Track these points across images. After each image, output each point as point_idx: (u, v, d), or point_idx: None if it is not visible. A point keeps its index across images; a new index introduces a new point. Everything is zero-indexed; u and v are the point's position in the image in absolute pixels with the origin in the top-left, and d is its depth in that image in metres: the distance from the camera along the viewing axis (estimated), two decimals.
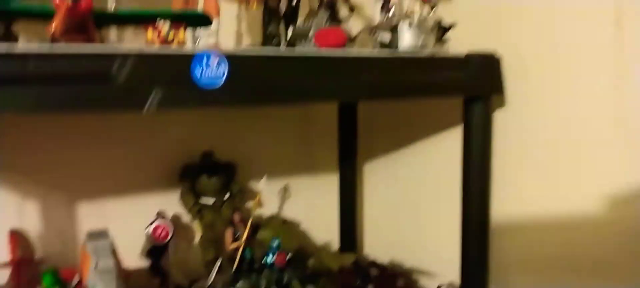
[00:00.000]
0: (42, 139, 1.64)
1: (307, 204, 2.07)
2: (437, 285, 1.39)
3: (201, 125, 1.86)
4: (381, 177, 2.04)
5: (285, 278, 1.51)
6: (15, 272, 1.56)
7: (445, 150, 1.68)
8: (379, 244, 1.83)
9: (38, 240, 1.66)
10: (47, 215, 1.68)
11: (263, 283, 1.52)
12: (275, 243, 1.57)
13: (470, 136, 1.42)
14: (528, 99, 1.44)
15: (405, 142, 1.86)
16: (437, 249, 1.71)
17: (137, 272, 1.69)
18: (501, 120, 1.50)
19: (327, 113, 2.00)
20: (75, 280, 1.39)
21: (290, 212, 2.03)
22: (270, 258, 1.56)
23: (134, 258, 1.72)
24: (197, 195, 1.75)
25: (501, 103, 1.50)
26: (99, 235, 1.32)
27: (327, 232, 2.02)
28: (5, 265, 1.57)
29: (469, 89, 1.39)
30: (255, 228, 1.81)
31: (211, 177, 1.73)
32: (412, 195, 1.87)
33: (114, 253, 1.30)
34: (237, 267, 1.66)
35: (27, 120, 1.61)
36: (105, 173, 1.75)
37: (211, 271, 1.72)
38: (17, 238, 1.61)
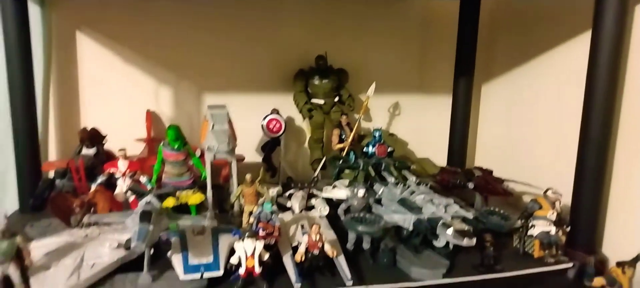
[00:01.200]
0: (174, 31, 1.81)
1: (417, 123, 2.05)
2: (545, 189, 1.30)
3: (318, 33, 1.92)
4: (497, 99, 1.95)
5: (383, 165, 1.51)
6: (150, 147, 1.78)
7: (569, 64, 1.55)
8: (489, 166, 1.75)
9: (169, 122, 1.86)
10: (178, 101, 1.87)
11: (360, 164, 1.54)
12: (377, 134, 1.58)
13: (601, 35, 1.27)
14: None
15: (525, 58, 1.75)
16: (550, 175, 1.60)
17: (251, 164, 1.83)
18: None
19: (447, 30, 1.94)
20: (198, 153, 1.54)
21: (399, 129, 2.02)
22: (370, 149, 1.58)
23: (249, 151, 1.88)
24: (309, 95, 1.83)
25: None
26: (217, 106, 1.45)
27: (435, 152, 1.98)
28: (141, 140, 1.80)
29: None
30: (360, 138, 1.85)
31: (323, 79, 1.79)
32: (528, 119, 1.75)
33: (229, 121, 1.41)
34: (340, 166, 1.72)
35: (162, 13, 1.79)
36: (230, 70, 1.89)
37: (316, 169, 1.81)
38: (152, 118, 1.82)
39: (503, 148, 1.88)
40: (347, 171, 1.71)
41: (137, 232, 0.99)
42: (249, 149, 1.88)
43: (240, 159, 1.72)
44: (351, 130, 1.78)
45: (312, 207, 1.51)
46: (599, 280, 1.25)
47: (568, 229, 1.28)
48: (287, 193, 1.61)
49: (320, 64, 1.81)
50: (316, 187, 1.66)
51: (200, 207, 1.43)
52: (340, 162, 1.63)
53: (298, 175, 1.90)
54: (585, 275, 1.25)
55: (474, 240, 1.09)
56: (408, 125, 2.04)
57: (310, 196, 1.59)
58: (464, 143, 1.95)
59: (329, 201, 1.52)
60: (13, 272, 0.99)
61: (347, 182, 1.63)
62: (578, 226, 1.31)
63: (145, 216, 1.03)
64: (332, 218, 1.42)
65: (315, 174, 1.77)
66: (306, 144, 1.95)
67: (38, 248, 1.14)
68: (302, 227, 1.32)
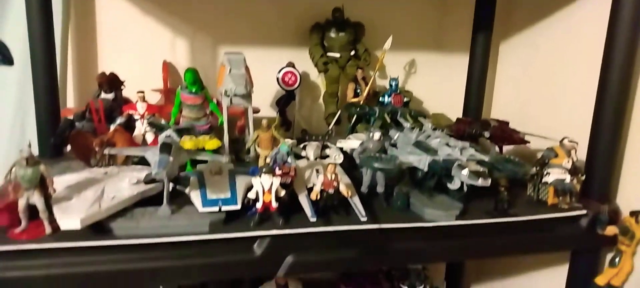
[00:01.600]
0: None
1: (433, 81, 2.04)
2: (561, 138, 1.30)
3: None
4: (514, 58, 1.93)
5: (399, 114, 1.51)
6: (167, 97, 1.80)
7: (589, 20, 1.53)
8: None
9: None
10: (194, 53, 1.88)
11: (376, 112, 1.54)
12: (393, 83, 1.57)
13: None
14: None
15: (544, 14, 1.73)
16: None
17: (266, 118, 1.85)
18: None
19: None
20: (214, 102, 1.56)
21: (414, 86, 2.01)
22: (386, 99, 1.57)
23: (264, 105, 1.89)
24: (325, 49, 1.82)
25: None
26: (234, 53, 1.45)
27: (451, 111, 1.98)
28: (158, 90, 1.82)
29: None
30: (375, 94, 1.85)
31: (340, 32, 1.78)
32: (546, 78, 1.74)
33: (246, 67, 1.42)
34: (355, 120, 1.73)
35: None
36: (246, 23, 1.88)
37: (330, 123, 1.82)
38: (169, 69, 1.83)
39: (519, 107, 1.87)
40: (360, 125, 1.72)
41: (157, 162, 1.01)
42: (264, 103, 1.89)
43: (255, 111, 1.73)
44: (366, 84, 1.78)
45: (327, 157, 1.52)
46: (611, 229, 1.27)
47: (583, 178, 1.28)
48: (301, 145, 1.63)
49: (336, 16, 1.79)
50: (330, 140, 1.67)
51: (217, 153, 1.44)
52: (357, 109, 1.63)
53: (312, 129, 1.91)
54: (599, 224, 1.26)
55: (489, 181, 1.10)
56: (423, 83, 2.03)
57: (324, 148, 1.60)
58: (480, 102, 1.94)
59: (343, 154, 1.53)
60: (37, 199, 1.02)
61: (361, 135, 1.64)
62: (593, 175, 1.31)
63: (166, 148, 1.05)
64: (347, 170, 1.43)
65: (330, 128, 1.78)
66: (321, 99, 1.95)
67: (59, 184, 1.17)
68: (317, 171, 1.34)
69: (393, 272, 1.91)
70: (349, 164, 1.46)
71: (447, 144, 1.20)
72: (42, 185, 1.03)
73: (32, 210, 1.03)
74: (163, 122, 1.39)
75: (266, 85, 1.81)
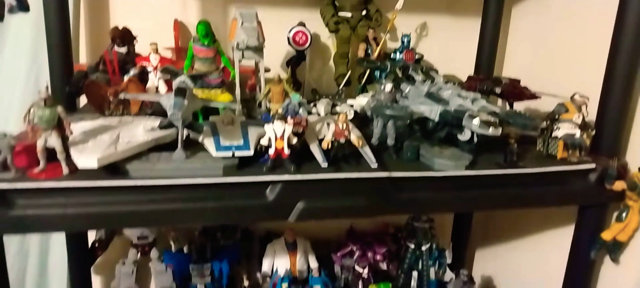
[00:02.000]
0: None
1: (444, 45, 2.03)
2: (571, 94, 1.30)
3: None
4: (527, 21, 1.92)
5: (410, 69, 1.51)
6: (178, 56, 1.81)
7: None
8: None
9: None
10: (205, 12, 1.88)
11: (387, 66, 1.55)
12: (405, 40, 1.57)
13: None
14: None
15: None
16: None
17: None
18: None
19: None
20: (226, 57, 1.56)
21: (425, 50, 2.00)
22: (398, 55, 1.57)
23: (275, 66, 1.90)
24: (336, 8, 1.81)
25: None
26: (247, 8, 1.45)
27: (462, 75, 1.97)
28: (169, 49, 1.83)
29: None
30: (386, 55, 1.85)
31: None
32: (558, 41, 1.73)
33: (258, 22, 1.42)
34: (365, 80, 1.74)
35: None
36: None
37: (340, 84, 1.82)
38: (180, 28, 1.84)
39: (531, 70, 1.85)
40: (370, 85, 1.73)
41: (172, 104, 1.03)
42: (275, 64, 1.89)
43: (266, 70, 1.74)
44: (377, 45, 1.78)
45: (337, 114, 1.53)
46: (620, 184, 1.28)
47: (593, 133, 1.29)
48: (311, 104, 1.64)
49: None
50: (340, 101, 1.68)
51: None
52: (368, 63, 1.64)
53: (322, 91, 1.91)
54: (607, 178, 1.27)
55: (500, 130, 1.11)
56: (435, 46, 2.02)
57: (334, 107, 1.61)
58: (492, 65, 1.93)
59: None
60: (55, 140, 1.04)
61: (371, 94, 1.65)
62: (603, 131, 1.32)
63: (180, 92, 1.06)
64: (357, 127, 1.44)
65: (340, 88, 1.79)
66: (331, 61, 1.95)
67: (75, 130, 1.18)
68: (328, 124, 1.35)
69: (400, 234, 1.94)
70: (359, 123, 1.47)
71: (459, 95, 1.21)
72: (60, 126, 1.05)
73: (50, 152, 1.05)
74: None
75: (277, 46, 1.81)
